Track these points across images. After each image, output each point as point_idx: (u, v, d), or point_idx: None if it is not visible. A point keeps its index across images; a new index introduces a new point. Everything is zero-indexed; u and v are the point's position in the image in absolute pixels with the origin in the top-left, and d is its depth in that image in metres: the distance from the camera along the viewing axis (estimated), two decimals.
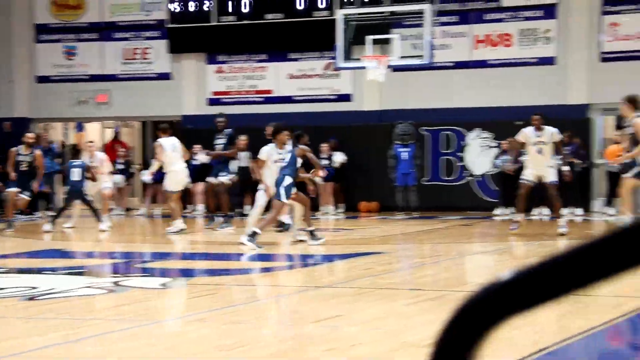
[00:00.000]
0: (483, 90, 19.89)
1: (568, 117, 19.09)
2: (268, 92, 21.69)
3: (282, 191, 12.41)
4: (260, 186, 13.14)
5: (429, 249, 13.16)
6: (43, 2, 23.06)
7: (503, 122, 19.31)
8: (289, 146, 12.93)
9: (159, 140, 15.33)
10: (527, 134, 13.75)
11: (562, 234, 13.54)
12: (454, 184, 20.02)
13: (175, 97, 22.22)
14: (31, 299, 8.19)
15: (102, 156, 17.15)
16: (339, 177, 19.92)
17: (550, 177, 13.65)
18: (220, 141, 16.53)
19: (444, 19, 19.88)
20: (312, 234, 12.80)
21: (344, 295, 8.59)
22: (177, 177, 15.20)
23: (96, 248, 14.28)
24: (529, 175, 13.78)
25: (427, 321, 6.69)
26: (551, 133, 13.64)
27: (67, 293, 8.52)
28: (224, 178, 16.35)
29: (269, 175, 12.87)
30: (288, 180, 12.41)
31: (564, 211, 18.00)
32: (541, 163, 13.60)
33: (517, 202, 14.22)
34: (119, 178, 20.89)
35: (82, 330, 6.55)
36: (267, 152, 13.03)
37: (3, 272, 10.34)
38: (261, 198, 13.07)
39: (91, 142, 17.83)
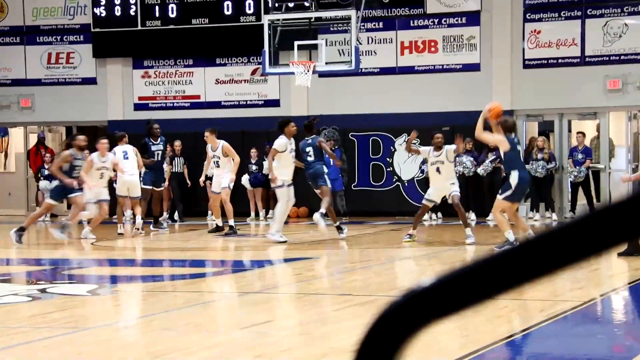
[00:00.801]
0: (410, 96, 20.14)
1: None
2: (196, 97, 21.58)
3: (327, 177, 14.20)
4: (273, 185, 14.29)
5: (358, 254, 13.27)
6: None
7: (430, 128, 19.55)
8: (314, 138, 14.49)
9: (115, 149, 15.95)
10: (427, 152, 13.78)
11: (470, 244, 13.24)
12: (382, 189, 20.22)
13: (100, 102, 21.93)
14: None
15: (113, 157, 15.83)
16: (268, 183, 19.94)
17: (453, 189, 13.60)
18: (157, 148, 16.91)
19: (370, 25, 20.08)
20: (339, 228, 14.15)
21: (273, 300, 8.62)
22: (121, 182, 16.03)
23: (21, 255, 14.02)
24: (432, 195, 13.71)
25: (356, 326, 6.77)
26: (446, 151, 13.66)
27: None
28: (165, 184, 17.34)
29: (280, 166, 13.97)
30: (326, 169, 14.22)
31: (472, 216, 18.44)
32: (442, 182, 13.65)
33: (414, 219, 13.97)
34: (45, 184, 20.56)
35: (7, 339, 6.45)
36: (283, 144, 13.95)
37: None
38: (282, 195, 14.07)
39: (104, 139, 16.18)
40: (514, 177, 11.63)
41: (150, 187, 16.67)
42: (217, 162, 15.55)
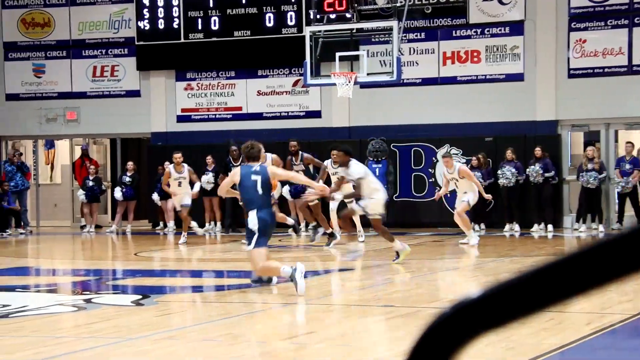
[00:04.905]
0: (452, 106, 20.02)
1: (537, 133, 19.28)
2: (237, 108, 21.68)
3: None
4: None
5: (401, 265, 13.19)
6: (12, 20, 22.93)
7: (472, 138, 19.46)
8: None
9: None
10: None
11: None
12: (424, 200, 20.10)
13: (144, 114, 22.14)
14: (3, 317, 8.12)
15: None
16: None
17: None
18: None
19: (412, 35, 20.02)
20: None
21: (315, 311, 8.60)
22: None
23: (68, 265, 14.17)
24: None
25: (398, 337, 6.72)
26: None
27: (39, 311, 8.47)
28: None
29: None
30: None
31: (516, 227, 18.37)
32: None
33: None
34: (82, 195, 21.00)
35: (53, 349, 6.50)
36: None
37: None
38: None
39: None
40: (251, 219, 9.12)
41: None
42: None
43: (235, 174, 9.36)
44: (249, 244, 9.24)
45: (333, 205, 15.41)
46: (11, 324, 7.77)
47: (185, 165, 17.23)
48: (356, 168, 12.33)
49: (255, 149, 9.54)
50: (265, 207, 9.22)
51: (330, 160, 15.44)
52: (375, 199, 12.25)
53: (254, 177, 9.22)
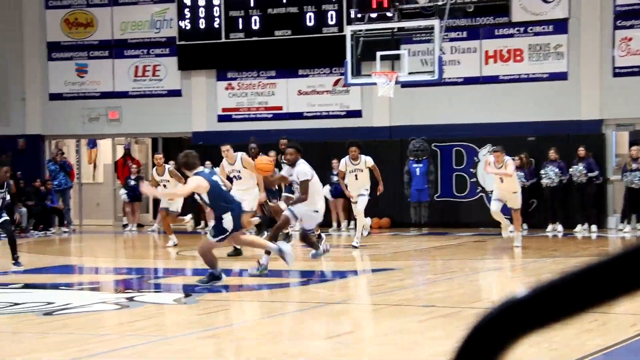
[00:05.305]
0: (494, 105, 19.87)
1: (581, 132, 19.06)
2: (278, 108, 21.74)
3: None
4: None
5: (442, 265, 13.14)
6: (55, 20, 23.23)
7: (515, 138, 19.28)
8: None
9: None
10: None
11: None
12: (466, 200, 19.99)
13: (185, 113, 22.29)
14: (47, 314, 8.23)
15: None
16: None
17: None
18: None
19: (453, 34, 19.90)
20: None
21: (355, 311, 8.59)
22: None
23: (110, 264, 14.32)
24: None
25: (438, 337, 6.68)
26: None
27: (83, 308, 8.56)
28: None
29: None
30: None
31: (559, 227, 18.16)
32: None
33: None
34: (124, 194, 21.26)
35: (96, 346, 6.57)
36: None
37: (20, 288, 10.39)
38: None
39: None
40: (227, 221, 9.76)
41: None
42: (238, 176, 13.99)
43: (202, 184, 9.61)
44: (214, 236, 9.83)
45: (360, 207, 14.81)
46: (55, 321, 7.87)
47: (167, 166, 16.23)
48: (303, 168, 11.48)
49: (193, 155, 9.94)
50: (235, 203, 9.95)
51: (346, 158, 14.83)
52: (317, 215, 11.58)
53: (215, 177, 9.87)
